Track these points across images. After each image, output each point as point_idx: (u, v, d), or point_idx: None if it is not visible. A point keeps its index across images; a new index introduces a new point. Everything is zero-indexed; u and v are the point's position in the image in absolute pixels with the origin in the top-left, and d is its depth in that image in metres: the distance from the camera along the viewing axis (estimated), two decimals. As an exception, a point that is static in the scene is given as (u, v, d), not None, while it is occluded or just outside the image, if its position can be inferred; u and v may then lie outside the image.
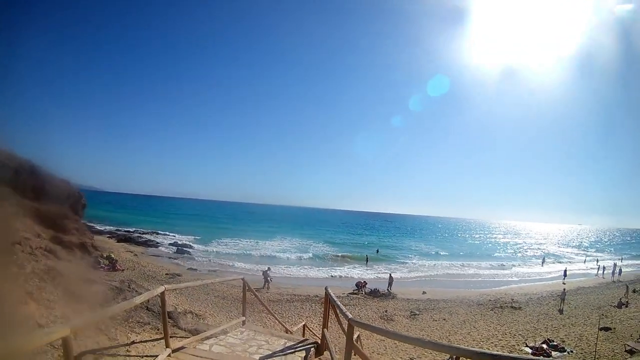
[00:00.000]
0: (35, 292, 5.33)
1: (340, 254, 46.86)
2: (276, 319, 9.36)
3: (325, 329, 6.21)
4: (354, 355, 3.98)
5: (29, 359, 3.47)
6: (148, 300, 6.21)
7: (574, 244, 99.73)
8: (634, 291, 29.62)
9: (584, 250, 79.56)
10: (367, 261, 43.11)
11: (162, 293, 4.85)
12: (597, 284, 35.12)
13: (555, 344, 16.86)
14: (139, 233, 50.36)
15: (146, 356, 5.03)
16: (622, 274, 39.86)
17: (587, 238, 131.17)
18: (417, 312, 22.00)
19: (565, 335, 18.47)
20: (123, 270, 24.50)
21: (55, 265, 6.59)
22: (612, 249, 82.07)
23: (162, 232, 53.96)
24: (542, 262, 53.30)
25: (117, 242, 40.03)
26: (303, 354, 5.96)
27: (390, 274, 29.86)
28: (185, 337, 6.27)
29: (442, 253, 57.01)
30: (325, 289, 6.25)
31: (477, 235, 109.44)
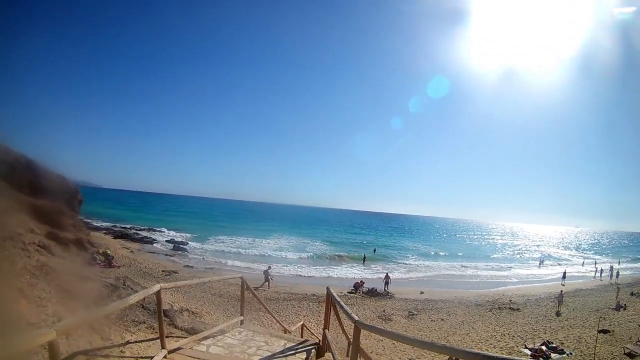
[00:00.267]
0: (27, 289, 5.13)
1: (337, 253, 46.67)
2: (275, 318, 9.18)
3: (327, 330, 6.03)
4: (360, 358, 3.79)
5: None
6: (144, 299, 6.01)
7: (572, 246, 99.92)
8: (632, 294, 29.60)
9: (582, 252, 79.71)
10: (364, 260, 42.96)
11: (158, 292, 4.65)
12: (595, 286, 35.10)
13: (554, 345, 16.72)
14: (136, 230, 50.01)
15: (141, 357, 4.84)
16: (619, 276, 39.87)
17: (585, 240, 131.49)
18: (415, 312, 21.88)
19: (564, 337, 18.37)
20: (119, 266, 24.30)
21: (48, 262, 6.38)
22: (609, 252, 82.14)
23: (159, 229, 53.73)
24: (540, 264, 53.26)
25: (114, 238, 39.71)
26: (304, 355, 5.78)
27: (386, 274, 29.66)
28: (181, 337, 6.08)
29: (440, 253, 57.04)
30: (327, 288, 6.08)
31: (475, 236, 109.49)
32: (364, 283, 27.65)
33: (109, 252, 24.92)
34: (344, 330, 6.30)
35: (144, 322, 6.12)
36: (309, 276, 32.31)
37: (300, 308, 20.85)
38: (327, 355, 6.03)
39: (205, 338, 5.99)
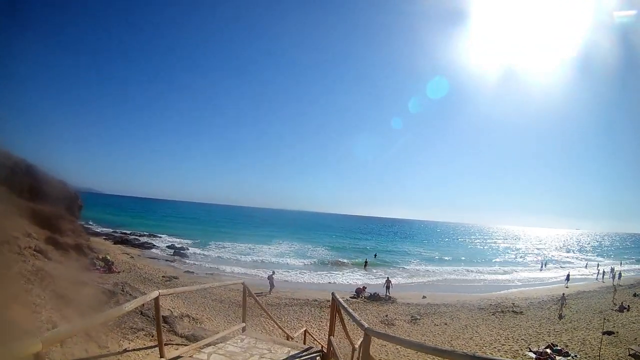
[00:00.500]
0: (21, 295, 4.95)
1: (338, 259, 46.32)
2: (277, 324, 8.93)
3: (332, 336, 5.81)
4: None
5: None
6: (143, 305, 5.81)
7: (574, 248, 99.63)
8: (634, 295, 29.44)
9: (584, 254, 79.52)
10: (365, 265, 42.66)
11: (156, 298, 4.44)
12: (597, 288, 34.94)
13: (559, 348, 16.57)
14: (136, 235, 49.82)
15: (139, 366, 4.64)
16: (621, 277, 39.72)
17: (587, 243, 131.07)
18: (418, 317, 21.67)
19: (569, 339, 18.21)
20: (119, 272, 24.14)
21: (44, 266, 6.21)
22: (612, 254, 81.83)
23: (160, 235, 53.52)
24: (541, 267, 52.95)
25: (114, 244, 39.50)
26: None
27: (387, 278, 29.46)
28: (181, 345, 5.87)
29: (441, 257, 56.63)
30: (332, 294, 5.86)
31: (477, 240, 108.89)
32: (365, 288, 27.47)
33: (108, 258, 24.75)
34: (348, 337, 6.10)
35: (143, 329, 5.92)
36: (310, 282, 32.08)
37: (302, 313, 20.63)
38: (333, 362, 5.81)
39: (206, 346, 5.78)
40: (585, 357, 15.83)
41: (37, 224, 9.36)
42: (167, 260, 34.89)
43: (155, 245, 43.47)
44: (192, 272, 30.02)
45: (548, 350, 16.18)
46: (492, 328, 20.11)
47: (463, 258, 57.97)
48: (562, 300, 24.54)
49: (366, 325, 3.64)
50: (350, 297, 25.62)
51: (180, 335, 7.16)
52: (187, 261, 35.77)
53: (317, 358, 5.92)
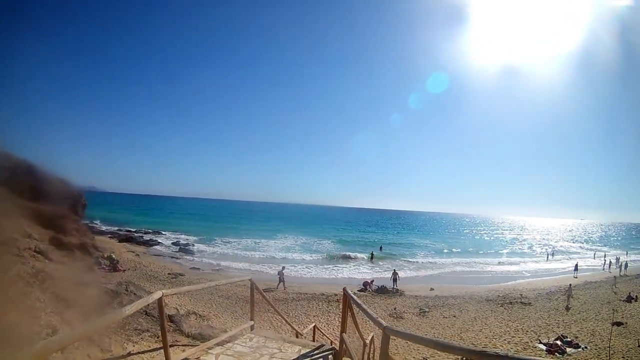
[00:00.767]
0: (19, 299, 4.73)
1: (344, 252, 46.14)
2: (286, 321, 8.71)
3: (344, 333, 5.56)
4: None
5: None
6: (147, 305, 5.58)
7: (582, 238, 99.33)
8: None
9: (591, 245, 79.21)
10: (372, 258, 42.61)
11: (160, 299, 4.18)
12: (604, 278, 34.67)
13: (569, 340, 16.43)
14: (141, 233, 49.95)
15: (144, 370, 4.42)
16: (628, 267, 39.47)
17: (594, 233, 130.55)
18: (427, 310, 21.50)
19: (578, 330, 18.09)
20: (124, 270, 24.07)
21: (44, 268, 5.98)
22: (619, 244, 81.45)
23: (164, 232, 53.60)
24: (547, 257, 52.83)
25: (119, 242, 39.57)
26: None
27: (394, 270, 29.29)
28: (188, 345, 5.65)
29: (447, 249, 56.40)
30: (344, 289, 5.61)
31: (484, 231, 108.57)
32: (373, 281, 27.32)
33: (113, 256, 24.72)
34: (360, 333, 5.88)
35: (148, 331, 5.69)
36: (317, 276, 31.95)
37: (309, 308, 20.48)
38: (346, 360, 5.57)
39: (215, 346, 5.55)
40: (596, 349, 15.68)
41: (40, 225, 9.26)
42: (172, 257, 34.82)
43: (160, 243, 43.51)
44: (198, 269, 29.92)
45: (558, 342, 16.05)
46: (501, 320, 19.92)
47: (470, 249, 57.80)
48: (569, 291, 24.26)
49: (384, 323, 3.38)
50: (358, 291, 25.44)
51: (187, 335, 6.96)
52: (193, 258, 35.66)
53: (330, 356, 5.69)
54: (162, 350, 4.63)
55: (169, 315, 7.36)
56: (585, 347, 15.79)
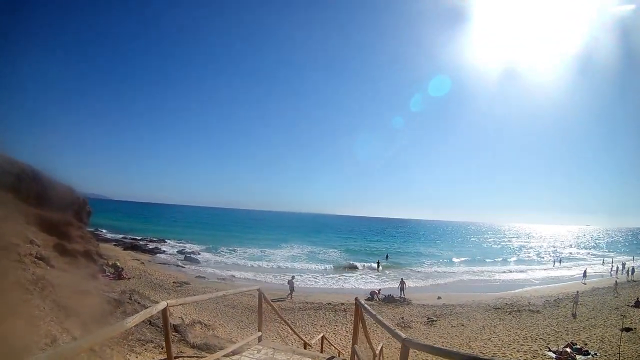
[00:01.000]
0: (18, 306, 4.53)
1: (350, 261, 45.79)
2: (295, 332, 8.43)
3: (356, 345, 5.30)
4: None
5: None
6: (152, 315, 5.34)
7: (589, 245, 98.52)
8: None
9: (599, 250, 78.66)
10: (378, 267, 42.26)
11: (164, 310, 3.90)
12: (612, 284, 34.21)
13: (578, 347, 16.17)
14: (146, 241, 49.83)
15: (147, 384, 4.17)
16: (634, 273, 39.09)
17: (601, 239, 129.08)
18: (435, 318, 21.21)
19: (587, 337, 17.82)
20: (129, 278, 23.91)
21: (45, 275, 5.80)
22: (627, 249, 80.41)
23: (169, 240, 53.42)
24: (554, 264, 52.68)
25: (124, 249, 39.45)
26: None
27: (402, 279, 29.01)
28: (193, 357, 5.41)
29: (454, 257, 55.82)
30: (356, 299, 5.36)
31: (490, 239, 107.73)
32: (380, 291, 27.06)
33: (118, 264, 24.60)
34: (371, 345, 5.64)
35: (152, 341, 5.45)
36: (323, 285, 31.71)
37: (316, 318, 20.21)
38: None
39: (221, 358, 5.29)
40: (605, 355, 15.49)
41: (45, 231, 9.19)
42: (177, 266, 34.61)
43: (165, 251, 43.35)
44: (204, 278, 29.66)
45: (568, 350, 15.79)
46: (509, 328, 19.63)
47: (477, 257, 57.17)
48: (576, 298, 23.84)
49: (404, 335, 3.13)
50: (365, 300, 25.10)
51: (192, 345, 6.72)
52: (198, 266, 35.45)
53: None
54: (166, 363, 4.39)
55: (173, 324, 7.12)
56: (595, 354, 15.60)
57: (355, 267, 42.15)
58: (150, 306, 4.13)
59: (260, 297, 6.37)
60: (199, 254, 42.81)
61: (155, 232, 60.99)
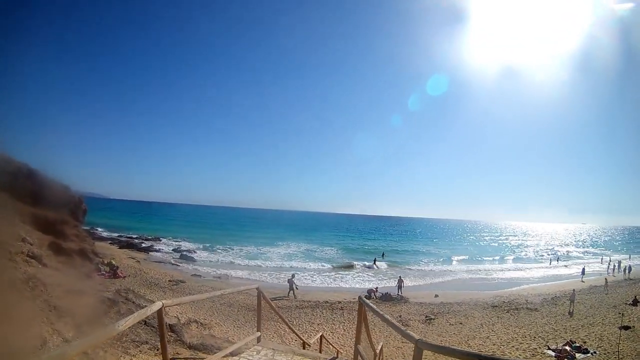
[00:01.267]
0: (7, 307, 4.34)
1: (347, 260, 45.78)
2: (294, 332, 8.25)
3: (359, 345, 5.14)
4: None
5: None
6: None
7: (587, 243, 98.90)
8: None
9: (596, 248, 79.02)
10: (375, 262, 42.32)
11: (159, 310, 3.69)
12: (610, 282, 34.35)
13: (577, 345, 16.16)
14: (142, 239, 49.51)
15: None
16: (631, 271, 39.07)
17: (598, 237, 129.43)
18: (432, 317, 21.17)
19: (586, 335, 17.82)
20: (125, 277, 23.73)
21: (36, 273, 5.60)
22: (624, 248, 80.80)
23: (165, 238, 53.06)
24: (550, 262, 52.87)
25: (119, 248, 39.16)
26: None
27: (400, 277, 28.98)
28: (190, 358, 5.22)
29: (451, 255, 55.87)
30: (359, 298, 5.19)
31: (487, 237, 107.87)
32: (377, 289, 27.07)
33: (114, 263, 24.42)
34: (372, 344, 5.49)
35: (147, 342, 5.26)
36: (320, 283, 31.64)
37: (313, 316, 20.11)
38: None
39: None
40: (605, 353, 15.51)
41: (40, 230, 9.08)
42: (173, 264, 34.45)
43: (161, 249, 43.11)
44: (200, 276, 29.49)
45: (567, 348, 15.83)
46: (508, 326, 19.61)
47: (474, 255, 57.21)
48: (572, 296, 23.78)
49: (417, 336, 2.96)
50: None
51: (188, 346, 6.54)
52: (194, 265, 35.26)
53: None
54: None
55: (169, 324, 6.95)
56: (594, 352, 15.61)
57: (352, 266, 42.08)
58: (145, 306, 3.95)
59: (259, 295, 6.18)
60: (194, 252, 42.64)
61: (151, 231, 60.68)
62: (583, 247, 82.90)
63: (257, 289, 6.21)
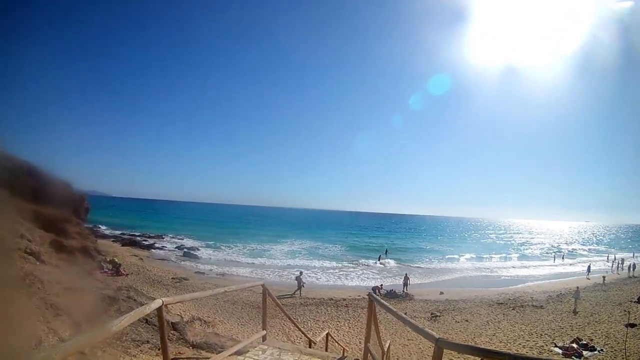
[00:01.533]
0: (1, 305, 4.13)
1: (351, 257, 45.65)
2: (300, 330, 8.03)
3: (369, 344, 4.91)
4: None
5: None
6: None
7: (592, 241, 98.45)
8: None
9: (601, 246, 78.75)
10: (379, 261, 42.24)
11: (160, 309, 3.45)
12: (614, 279, 34.41)
13: (584, 343, 16.00)
14: (145, 237, 49.52)
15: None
16: (636, 269, 38.91)
17: (602, 235, 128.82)
18: (438, 314, 20.98)
19: (592, 333, 17.68)
20: (127, 274, 23.66)
21: (34, 270, 5.40)
22: (629, 246, 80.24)
23: (168, 236, 53.09)
24: (554, 259, 52.86)
25: (122, 246, 39.18)
26: None
27: (405, 274, 28.84)
28: (192, 358, 5.00)
29: (456, 253, 55.51)
30: (369, 295, 4.96)
31: (492, 235, 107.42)
32: (382, 286, 26.89)
33: (116, 260, 24.31)
34: (380, 342, 5.26)
35: (148, 342, 5.05)
36: (324, 281, 31.45)
37: (318, 314, 19.94)
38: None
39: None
40: (612, 351, 15.34)
41: (42, 227, 8.91)
42: (176, 262, 34.40)
43: (164, 247, 43.11)
44: (203, 273, 29.40)
45: (574, 345, 15.69)
46: (514, 323, 19.42)
47: (479, 253, 56.74)
48: (577, 294, 23.51)
49: (437, 335, 2.74)
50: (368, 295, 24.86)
51: (191, 344, 6.35)
52: (197, 262, 35.15)
53: None
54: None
55: (172, 322, 6.76)
56: (602, 350, 15.44)
57: (357, 263, 41.85)
58: (145, 304, 3.73)
59: (264, 293, 5.95)
60: (198, 249, 42.48)
61: (154, 229, 60.77)
62: (587, 245, 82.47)
63: (263, 285, 5.97)
